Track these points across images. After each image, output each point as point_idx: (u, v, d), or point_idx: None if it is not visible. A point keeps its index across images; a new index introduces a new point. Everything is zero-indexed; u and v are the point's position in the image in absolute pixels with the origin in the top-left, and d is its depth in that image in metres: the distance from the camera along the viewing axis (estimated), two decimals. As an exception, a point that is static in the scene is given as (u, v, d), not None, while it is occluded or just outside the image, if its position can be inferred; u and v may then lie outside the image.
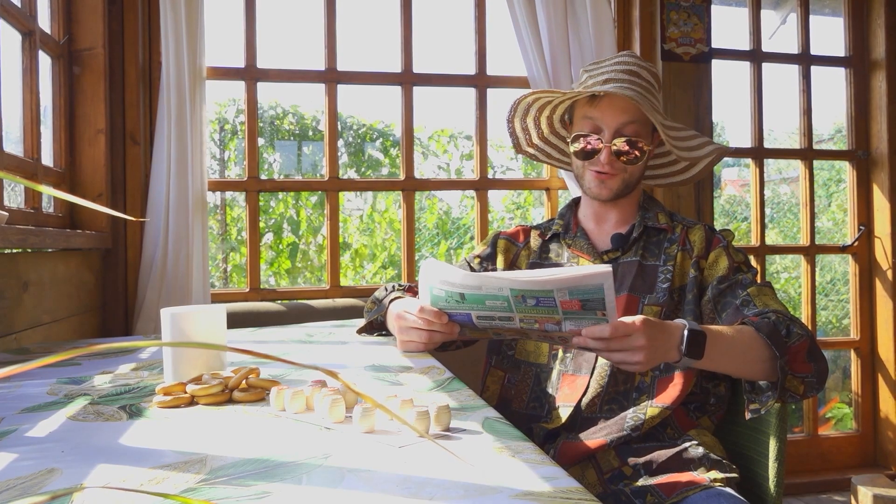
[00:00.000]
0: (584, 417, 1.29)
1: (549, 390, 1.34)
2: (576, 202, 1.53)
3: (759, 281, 1.30)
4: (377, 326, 1.45)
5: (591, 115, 1.39)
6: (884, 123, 2.76)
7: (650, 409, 1.25)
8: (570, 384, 1.31)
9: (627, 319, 1.03)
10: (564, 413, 1.29)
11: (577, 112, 1.43)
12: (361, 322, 1.50)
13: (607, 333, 1.01)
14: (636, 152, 1.37)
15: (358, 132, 5.19)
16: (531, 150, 1.60)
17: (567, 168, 1.64)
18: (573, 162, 1.45)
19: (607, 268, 0.98)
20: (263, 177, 4.14)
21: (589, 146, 1.38)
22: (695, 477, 1.18)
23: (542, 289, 1.01)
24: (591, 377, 1.30)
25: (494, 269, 1.47)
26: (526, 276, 1.03)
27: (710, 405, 1.33)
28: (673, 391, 1.26)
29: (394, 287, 1.47)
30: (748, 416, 1.17)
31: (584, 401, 1.29)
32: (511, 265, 1.47)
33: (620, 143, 1.36)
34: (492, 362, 1.43)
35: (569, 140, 1.46)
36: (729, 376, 1.35)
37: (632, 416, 1.25)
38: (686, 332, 1.07)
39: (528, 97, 1.47)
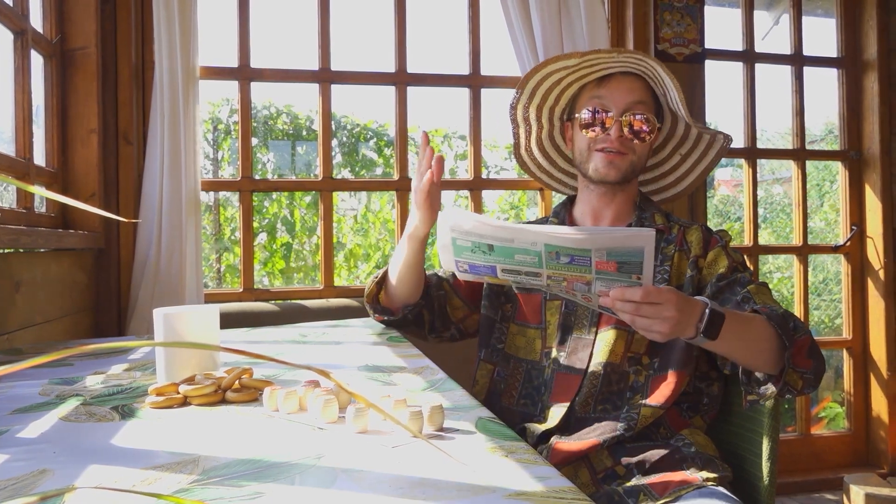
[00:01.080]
0: (577, 418, 1.28)
1: (542, 389, 1.34)
2: (571, 200, 1.52)
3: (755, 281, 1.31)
4: (377, 301, 1.47)
5: (600, 94, 1.38)
6: (875, 124, 2.78)
7: (643, 409, 1.26)
8: (564, 383, 1.31)
9: (661, 286, 1.02)
10: (558, 413, 1.29)
11: (584, 95, 1.41)
12: (356, 322, 1.50)
13: (638, 297, 0.99)
14: (645, 130, 1.36)
15: (352, 132, 5.18)
16: (526, 158, 1.59)
17: (559, 189, 1.64)
18: (577, 147, 1.42)
19: (651, 231, 0.96)
20: (257, 177, 4.13)
21: (598, 122, 1.37)
22: (688, 476, 1.18)
23: (579, 247, 0.98)
24: (584, 377, 1.30)
25: None
26: (564, 232, 0.99)
27: (703, 405, 1.33)
28: (666, 390, 1.26)
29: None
30: (746, 405, 1.19)
31: (578, 400, 1.29)
32: None
33: (630, 119, 1.35)
34: (481, 356, 1.43)
35: (570, 139, 1.45)
36: (723, 377, 1.35)
37: (625, 417, 1.26)
38: (707, 312, 1.06)
39: (534, 73, 1.43)
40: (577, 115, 1.41)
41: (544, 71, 1.43)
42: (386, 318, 1.49)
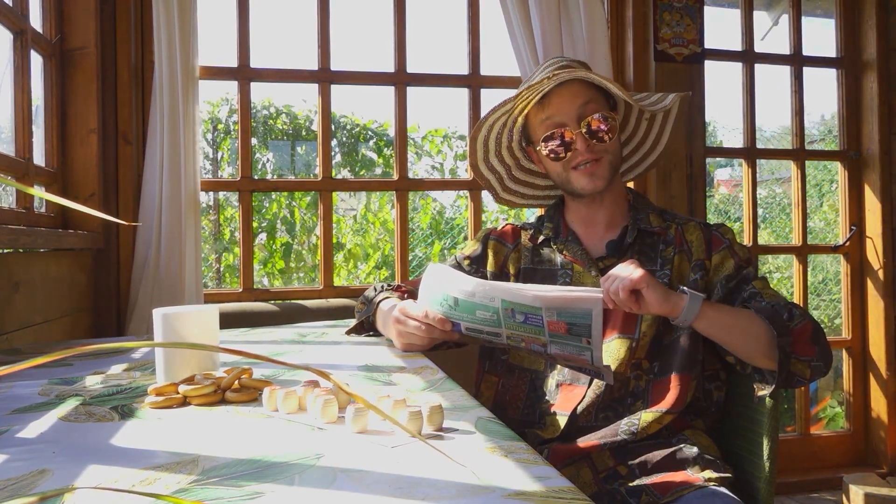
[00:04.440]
0: (579, 426, 1.28)
1: (546, 398, 1.33)
2: (562, 201, 1.50)
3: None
4: (367, 327, 1.45)
5: (548, 115, 1.35)
6: (875, 124, 2.78)
7: (644, 414, 1.25)
8: (568, 393, 1.31)
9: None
10: (560, 422, 1.28)
11: (533, 123, 1.38)
12: (353, 322, 1.49)
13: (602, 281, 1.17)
14: (604, 129, 1.33)
15: (351, 132, 5.18)
16: (508, 197, 1.58)
17: (548, 204, 1.63)
18: (551, 171, 1.40)
19: (599, 294, 0.99)
20: (256, 177, 4.13)
21: (561, 143, 1.34)
22: (689, 476, 1.18)
23: (531, 304, 1.01)
24: (588, 387, 1.29)
25: (485, 271, 1.46)
26: (517, 288, 1.03)
27: (705, 409, 1.33)
28: (669, 395, 1.25)
29: (383, 287, 1.47)
30: (756, 399, 1.23)
31: (580, 409, 1.28)
32: (501, 267, 1.45)
33: (589, 122, 1.32)
34: (485, 367, 1.42)
35: (539, 160, 1.43)
36: (726, 384, 1.35)
37: (626, 423, 1.25)
38: (684, 288, 1.17)
39: (479, 130, 1.44)
40: (537, 147, 1.39)
41: (486, 126, 1.43)
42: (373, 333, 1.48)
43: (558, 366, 1.33)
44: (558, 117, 1.34)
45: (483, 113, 2.48)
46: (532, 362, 1.37)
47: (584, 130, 1.33)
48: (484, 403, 1.37)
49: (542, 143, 1.36)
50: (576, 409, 1.28)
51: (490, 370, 1.41)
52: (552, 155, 1.36)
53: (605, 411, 1.28)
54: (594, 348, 1.01)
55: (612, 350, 1.29)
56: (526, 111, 1.38)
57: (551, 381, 1.33)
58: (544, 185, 1.58)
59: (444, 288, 1.13)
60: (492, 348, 1.41)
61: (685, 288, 1.17)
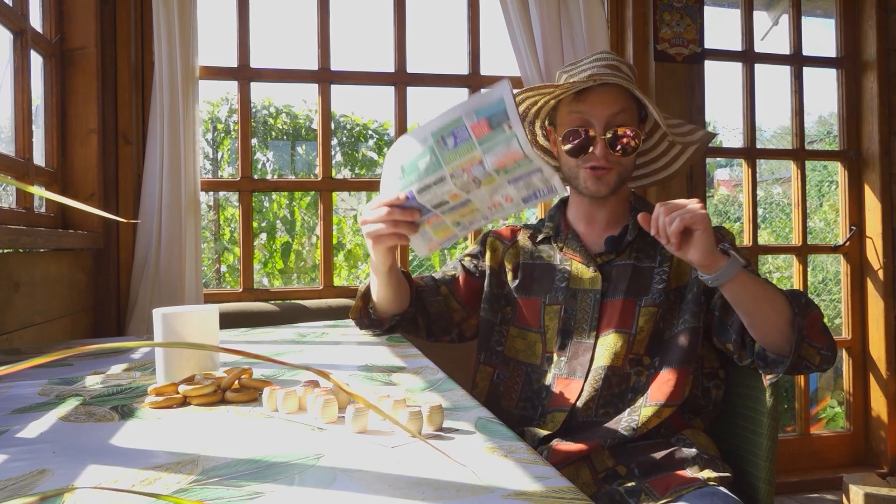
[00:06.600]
0: (579, 422, 1.28)
1: (543, 393, 1.33)
2: (564, 202, 1.51)
3: None
4: (370, 306, 1.43)
5: (579, 109, 1.35)
6: (875, 124, 2.78)
7: (645, 409, 1.25)
8: (565, 388, 1.31)
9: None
10: (559, 418, 1.28)
11: (563, 110, 1.39)
12: (352, 323, 1.50)
13: (662, 208, 1.11)
14: (630, 142, 1.34)
15: (352, 132, 5.19)
16: None
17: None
18: (563, 163, 1.41)
19: (504, 80, 1.04)
20: (256, 177, 4.13)
21: (581, 141, 1.35)
22: (688, 476, 1.18)
23: (454, 119, 1.06)
24: (585, 381, 1.29)
25: (484, 266, 1.48)
26: (438, 113, 1.09)
27: (703, 408, 1.33)
28: (666, 388, 1.26)
29: None
30: (766, 382, 1.23)
31: (579, 405, 1.28)
32: (500, 263, 1.47)
33: (615, 133, 1.33)
34: (481, 359, 1.43)
35: (554, 142, 1.44)
36: (725, 381, 1.35)
37: (626, 420, 1.25)
38: (724, 244, 1.15)
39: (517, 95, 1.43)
40: (559, 137, 1.39)
41: (522, 96, 1.41)
42: (374, 330, 1.47)
43: (555, 360, 1.33)
44: (587, 116, 1.34)
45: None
46: (528, 356, 1.37)
47: (607, 137, 1.33)
48: (478, 394, 1.39)
49: (564, 136, 1.37)
50: (575, 404, 1.28)
51: (485, 361, 1.42)
52: (569, 147, 1.36)
53: (605, 407, 1.28)
54: (517, 134, 1.04)
55: (609, 343, 1.29)
56: (560, 98, 1.39)
57: (549, 376, 1.33)
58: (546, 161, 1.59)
59: (392, 163, 1.17)
60: (488, 340, 1.42)
61: (728, 247, 1.14)
